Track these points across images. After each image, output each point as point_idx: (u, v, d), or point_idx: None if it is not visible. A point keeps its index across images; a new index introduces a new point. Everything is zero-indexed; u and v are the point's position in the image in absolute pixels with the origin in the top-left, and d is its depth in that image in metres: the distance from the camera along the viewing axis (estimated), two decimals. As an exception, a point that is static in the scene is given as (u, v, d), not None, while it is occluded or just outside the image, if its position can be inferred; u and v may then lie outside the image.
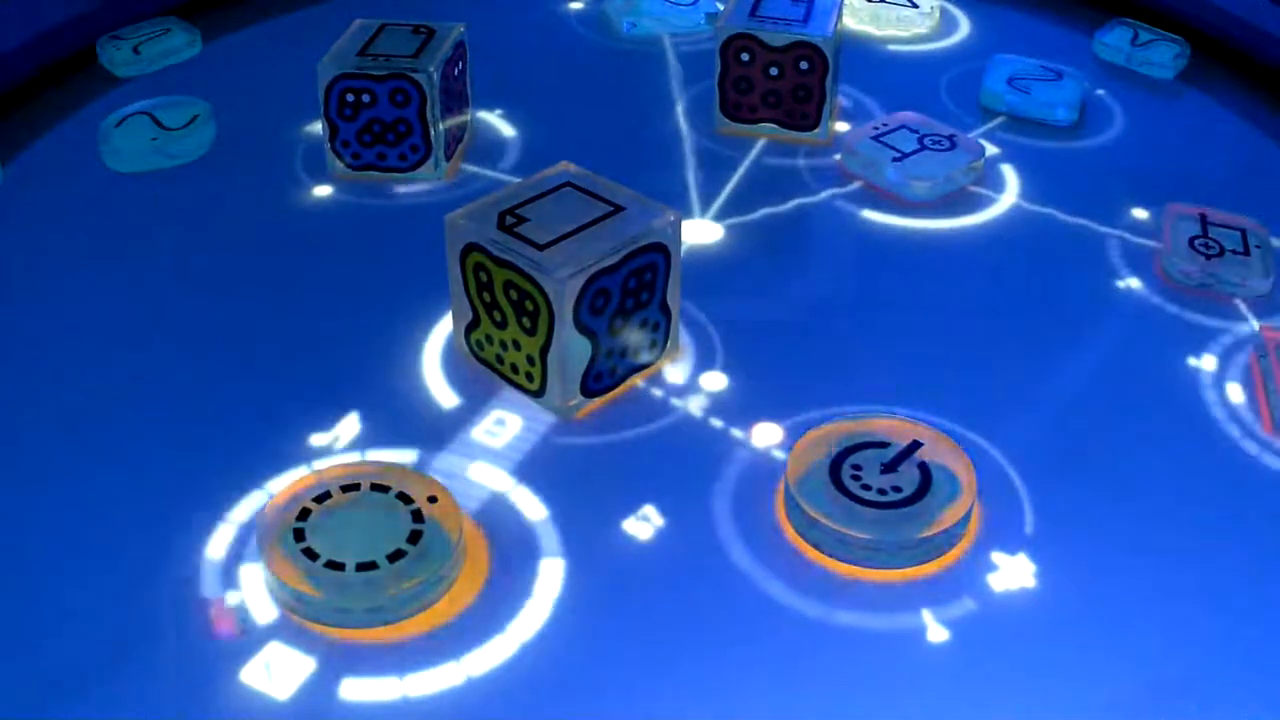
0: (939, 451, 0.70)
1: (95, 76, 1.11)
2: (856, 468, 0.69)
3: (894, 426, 0.72)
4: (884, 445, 0.70)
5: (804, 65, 1.00)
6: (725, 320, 0.83)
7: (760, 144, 1.03)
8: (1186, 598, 0.65)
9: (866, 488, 0.68)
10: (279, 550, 0.63)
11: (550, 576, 0.65)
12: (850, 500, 0.67)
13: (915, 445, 0.70)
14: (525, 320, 0.73)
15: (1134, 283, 0.88)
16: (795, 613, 0.64)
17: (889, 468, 0.69)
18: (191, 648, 0.61)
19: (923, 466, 0.69)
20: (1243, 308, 0.85)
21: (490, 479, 0.71)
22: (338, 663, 0.61)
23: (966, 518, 0.67)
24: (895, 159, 0.97)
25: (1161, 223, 0.92)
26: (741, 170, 1.00)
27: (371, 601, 0.62)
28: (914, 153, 0.98)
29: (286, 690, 0.60)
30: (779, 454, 0.73)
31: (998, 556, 0.67)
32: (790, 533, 0.68)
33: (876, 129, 1.01)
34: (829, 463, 0.69)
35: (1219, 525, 0.70)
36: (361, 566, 0.62)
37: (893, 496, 0.67)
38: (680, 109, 1.09)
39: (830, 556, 0.66)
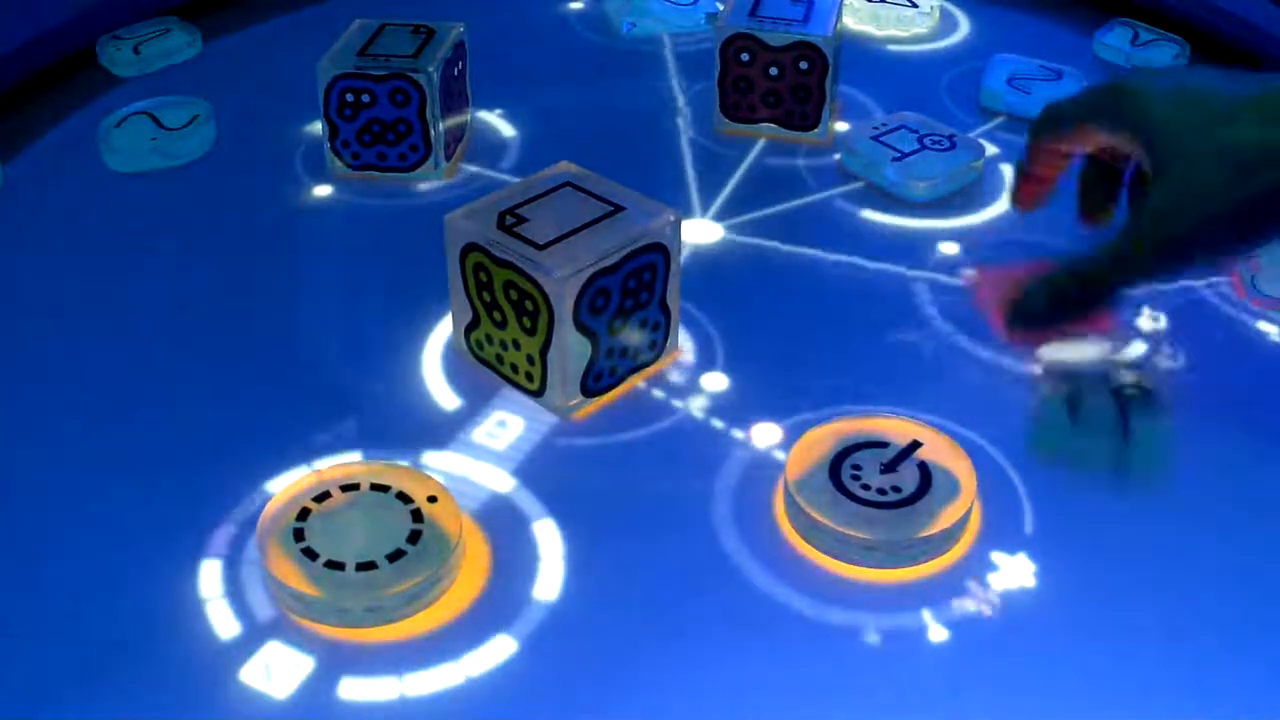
0: (939, 451, 0.70)
1: (95, 76, 1.11)
2: (856, 467, 0.69)
3: (894, 426, 0.72)
4: (884, 445, 0.70)
5: (804, 65, 1.00)
6: (725, 320, 0.83)
7: (760, 144, 1.03)
8: (1186, 597, 0.65)
9: (866, 487, 0.68)
10: (279, 550, 0.63)
11: (550, 576, 0.65)
12: (850, 500, 0.67)
13: (915, 445, 0.70)
14: (525, 320, 0.73)
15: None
16: (795, 613, 0.64)
17: (889, 468, 0.69)
18: (191, 648, 0.61)
19: (923, 466, 0.69)
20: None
21: (490, 479, 0.71)
22: (337, 663, 0.61)
23: (966, 517, 0.67)
24: (895, 159, 0.97)
25: None
26: (741, 170, 1.00)
27: (371, 601, 0.62)
28: (914, 153, 0.98)
29: (285, 690, 0.60)
30: (779, 454, 0.73)
31: (998, 556, 0.67)
32: (790, 533, 0.68)
33: (876, 129, 1.01)
34: (829, 463, 0.69)
35: (1218, 524, 0.70)
36: (361, 566, 0.62)
37: (893, 496, 0.67)
38: (680, 109, 1.09)
39: (830, 556, 0.66)
